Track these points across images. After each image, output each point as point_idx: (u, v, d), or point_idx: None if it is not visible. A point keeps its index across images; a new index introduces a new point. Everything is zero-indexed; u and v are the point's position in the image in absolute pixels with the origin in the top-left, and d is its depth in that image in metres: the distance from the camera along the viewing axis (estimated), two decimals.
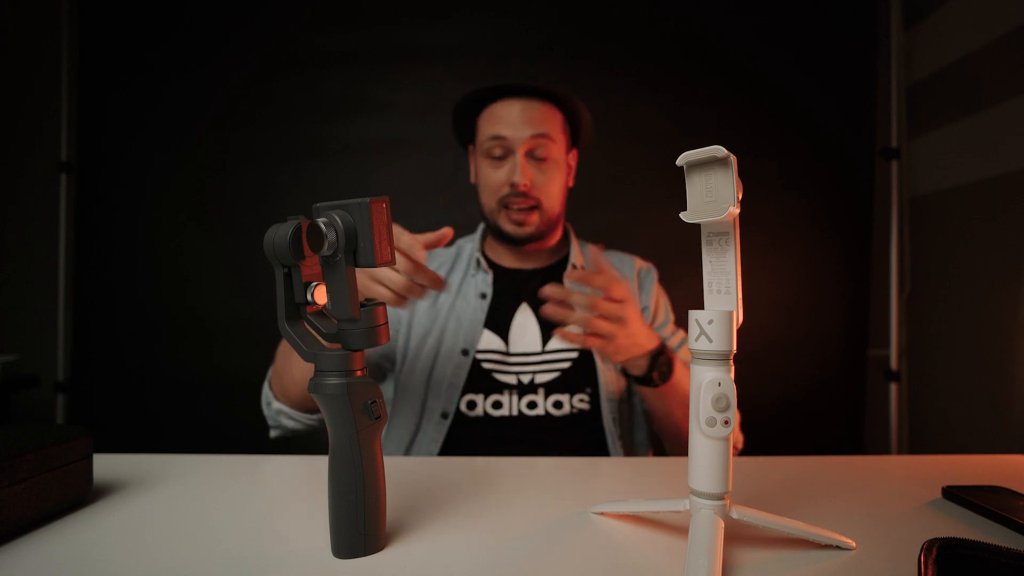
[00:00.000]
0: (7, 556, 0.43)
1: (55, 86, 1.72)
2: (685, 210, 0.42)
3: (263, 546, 0.45)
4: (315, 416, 0.85)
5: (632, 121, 1.57)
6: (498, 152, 0.92)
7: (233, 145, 1.63)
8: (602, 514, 0.51)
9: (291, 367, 0.81)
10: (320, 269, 0.43)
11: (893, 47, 1.64)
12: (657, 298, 1.03)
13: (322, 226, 0.41)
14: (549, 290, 0.74)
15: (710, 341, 0.40)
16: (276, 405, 0.84)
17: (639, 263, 1.05)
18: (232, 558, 0.43)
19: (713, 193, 0.41)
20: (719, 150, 0.40)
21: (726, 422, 0.40)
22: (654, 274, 1.05)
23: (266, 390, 0.87)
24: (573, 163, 1.01)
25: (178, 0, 1.64)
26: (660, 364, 0.81)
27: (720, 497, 0.41)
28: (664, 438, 0.95)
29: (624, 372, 0.86)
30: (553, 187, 0.94)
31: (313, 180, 1.62)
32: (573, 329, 0.75)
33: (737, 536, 0.46)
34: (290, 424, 0.85)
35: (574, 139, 1.00)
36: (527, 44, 1.60)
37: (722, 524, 0.41)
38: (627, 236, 1.10)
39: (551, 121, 0.94)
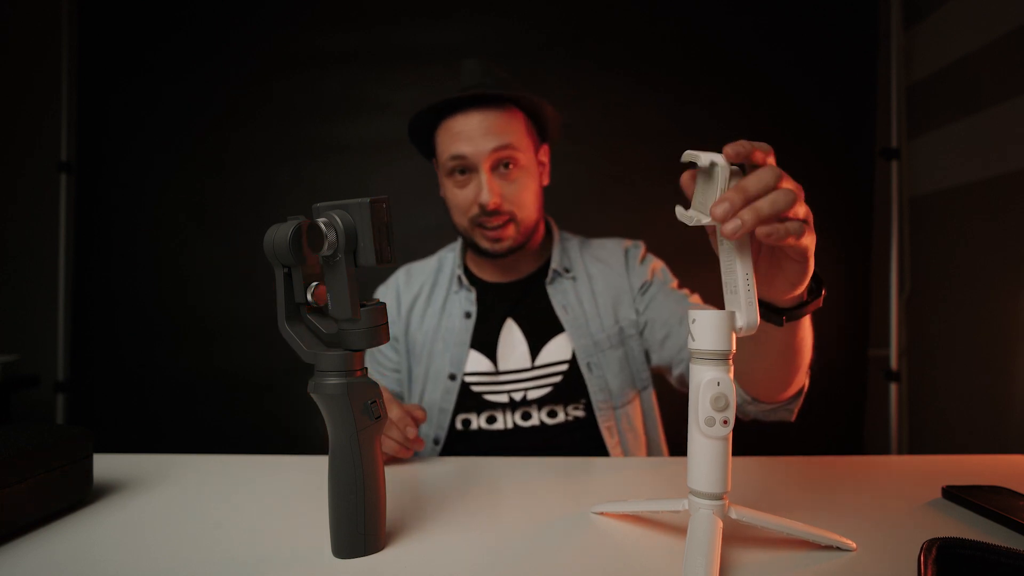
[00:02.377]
0: (7, 556, 0.43)
1: (55, 86, 1.72)
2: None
3: (263, 546, 0.45)
4: None
5: (632, 121, 1.57)
6: (461, 167, 0.86)
7: (233, 145, 1.63)
8: (602, 514, 0.51)
9: None
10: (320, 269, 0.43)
11: (893, 47, 1.64)
12: (651, 265, 0.97)
13: (322, 226, 0.41)
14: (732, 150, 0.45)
15: (694, 340, 0.41)
16: None
17: (625, 243, 0.99)
18: (232, 558, 0.43)
19: (705, 200, 0.42)
20: (700, 158, 0.40)
21: (725, 422, 0.40)
22: (641, 247, 0.99)
23: None
24: (546, 159, 0.95)
25: (178, 0, 1.64)
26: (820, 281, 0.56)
27: (719, 497, 0.41)
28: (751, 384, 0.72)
29: (778, 313, 0.55)
30: (525, 195, 0.88)
31: (313, 180, 1.62)
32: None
33: (737, 536, 0.46)
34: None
35: (542, 135, 0.93)
36: (527, 44, 1.60)
37: (720, 524, 0.41)
38: (629, 236, 1.10)
39: (513, 127, 0.86)
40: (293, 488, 0.59)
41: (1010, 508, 0.50)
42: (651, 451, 0.96)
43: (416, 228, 1.54)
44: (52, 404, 1.70)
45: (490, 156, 0.84)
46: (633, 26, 1.58)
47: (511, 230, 0.87)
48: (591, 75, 1.58)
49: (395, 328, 0.97)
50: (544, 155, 0.94)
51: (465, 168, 0.86)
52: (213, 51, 1.63)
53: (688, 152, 0.41)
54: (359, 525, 0.42)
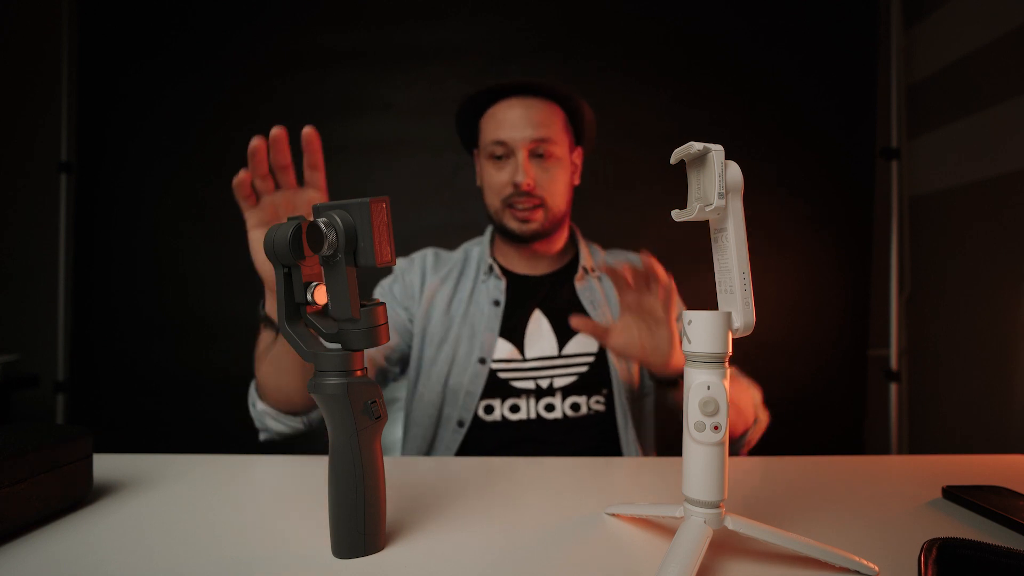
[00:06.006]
0: (7, 556, 0.43)
1: (55, 86, 1.72)
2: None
3: (263, 546, 0.45)
4: (298, 419, 0.82)
5: (632, 122, 1.57)
6: (500, 153, 0.92)
7: (233, 145, 1.63)
8: (615, 515, 0.51)
9: (261, 367, 0.77)
10: (320, 269, 0.43)
11: (893, 47, 1.64)
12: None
13: (322, 226, 0.41)
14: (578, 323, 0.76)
15: (689, 342, 0.40)
16: (260, 406, 0.82)
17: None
18: (232, 558, 0.43)
19: (701, 190, 0.41)
20: (692, 146, 0.40)
21: (716, 427, 0.39)
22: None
23: (252, 391, 0.84)
24: (579, 161, 1.00)
25: (179, 0, 1.64)
26: None
27: (713, 505, 0.40)
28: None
29: (655, 378, 0.81)
30: (557, 185, 0.94)
31: None
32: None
33: (735, 548, 0.44)
34: (274, 426, 0.82)
35: (577, 137, 0.99)
36: (527, 44, 1.60)
37: (710, 534, 0.39)
38: (628, 237, 1.10)
39: (552, 121, 0.93)
40: (293, 488, 0.59)
41: (1010, 508, 0.50)
42: (660, 449, 0.97)
43: (417, 228, 1.54)
44: (52, 404, 1.70)
45: (529, 143, 0.91)
46: (632, 27, 1.58)
47: (539, 214, 0.93)
48: (591, 76, 1.58)
49: (412, 303, 0.99)
50: (577, 157, 1.00)
51: (504, 153, 0.92)
52: (213, 51, 1.63)
53: (677, 150, 0.41)
54: (359, 525, 0.42)
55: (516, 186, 0.91)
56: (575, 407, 0.91)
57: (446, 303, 0.97)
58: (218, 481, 0.61)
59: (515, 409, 0.91)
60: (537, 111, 0.92)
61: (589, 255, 1.02)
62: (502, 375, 0.92)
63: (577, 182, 1.00)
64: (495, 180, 0.93)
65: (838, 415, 1.58)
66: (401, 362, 0.99)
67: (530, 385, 0.92)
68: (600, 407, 0.92)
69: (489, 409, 0.92)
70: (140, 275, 1.64)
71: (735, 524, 0.40)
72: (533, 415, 0.91)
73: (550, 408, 0.91)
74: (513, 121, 0.91)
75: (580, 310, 0.96)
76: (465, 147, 1.04)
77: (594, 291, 0.99)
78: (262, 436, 0.87)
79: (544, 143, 0.91)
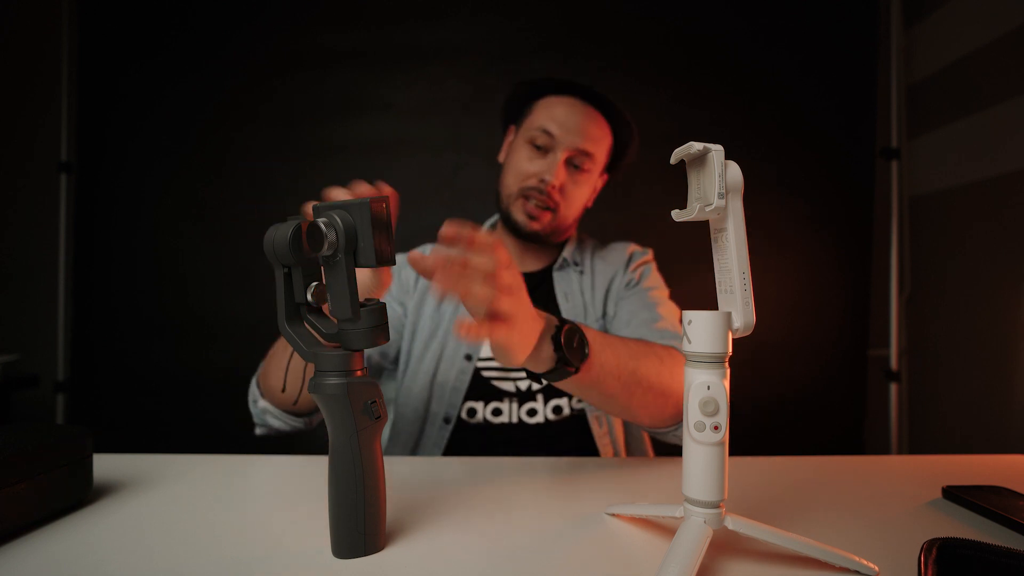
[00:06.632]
0: (7, 556, 0.43)
1: (55, 86, 1.72)
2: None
3: (263, 546, 0.45)
4: (300, 419, 0.82)
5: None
6: (542, 143, 0.91)
7: (233, 145, 1.63)
8: (614, 515, 0.51)
9: (270, 369, 0.76)
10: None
11: (893, 47, 1.64)
12: (646, 269, 1.00)
13: (322, 226, 0.41)
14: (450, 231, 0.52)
15: (689, 343, 0.40)
16: (262, 403, 0.81)
17: (632, 247, 1.04)
18: (232, 558, 0.43)
19: (701, 190, 0.41)
20: (692, 146, 0.40)
21: (716, 427, 0.39)
22: (647, 254, 1.04)
23: (253, 387, 0.83)
24: (599, 186, 1.00)
25: (179, 0, 1.64)
26: (570, 340, 0.58)
27: (713, 505, 0.40)
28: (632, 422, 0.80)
29: (534, 376, 0.61)
30: (576, 199, 0.94)
31: (313, 180, 1.62)
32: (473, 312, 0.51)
33: (735, 547, 0.44)
34: (276, 424, 0.81)
35: (611, 165, 0.99)
36: (527, 44, 1.60)
37: (710, 534, 0.40)
38: (628, 237, 1.11)
39: (602, 140, 0.94)
40: (293, 488, 0.59)
41: (1010, 508, 0.50)
42: (630, 442, 0.96)
43: (416, 228, 1.53)
44: (52, 404, 1.70)
45: (571, 150, 0.90)
46: (633, 27, 1.58)
47: (548, 217, 0.93)
48: (591, 76, 1.57)
49: (407, 297, 0.99)
50: (601, 182, 1.00)
51: (547, 145, 0.91)
52: (213, 51, 1.63)
53: (677, 150, 0.41)
54: (359, 525, 0.42)
55: (542, 182, 0.90)
56: (557, 410, 0.91)
57: (438, 298, 0.97)
58: (218, 481, 0.61)
59: (497, 413, 0.91)
60: (594, 124, 0.92)
61: (575, 249, 1.02)
62: (485, 374, 0.93)
63: (590, 204, 1.00)
64: (524, 167, 0.92)
65: (838, 415, 1.58)
66: (397, 358, 0.99)
67: (511, 387, 0.92)
68: (582, 405, 0.92)
69: (471, 412, 0.91)
70: (140, 275, 1.64)
71: (735, 524, 0.40)
72: (515, 419, 0.90)
73: (532, 413, 0.91)
74: (570, 121, 0.91)
75: (554, 299, 0.96)
76: (503, 120, 1.03)
77: (570, 282, 0.98)
78: (259, 431, 0.86)
79: (585, 156, 0.91)
